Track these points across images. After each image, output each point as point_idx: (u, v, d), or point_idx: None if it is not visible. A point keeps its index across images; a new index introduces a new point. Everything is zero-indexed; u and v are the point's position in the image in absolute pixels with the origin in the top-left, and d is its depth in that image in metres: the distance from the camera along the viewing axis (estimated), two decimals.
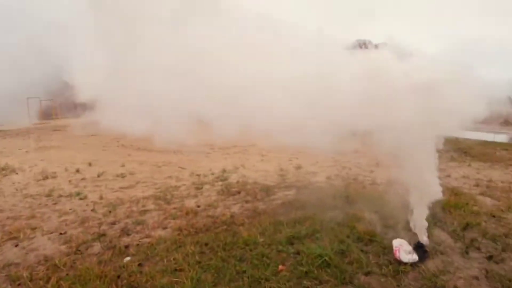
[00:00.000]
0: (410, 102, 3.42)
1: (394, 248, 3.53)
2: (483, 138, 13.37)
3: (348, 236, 4.01)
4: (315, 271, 3.32)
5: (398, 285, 3.16)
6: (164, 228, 4.44)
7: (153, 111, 5.48)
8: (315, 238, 4.02)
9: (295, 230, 4.22)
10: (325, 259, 3.47)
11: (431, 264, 3.45)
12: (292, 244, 3.90)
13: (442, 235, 4.03)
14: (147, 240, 4.07)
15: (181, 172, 7.77)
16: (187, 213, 4.86)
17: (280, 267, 3.41)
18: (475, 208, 4.94)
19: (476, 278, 3.25)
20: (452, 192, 5.72)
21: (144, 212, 5.06)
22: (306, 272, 3.30)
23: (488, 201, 5.46)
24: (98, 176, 7.28)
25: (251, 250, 3.73)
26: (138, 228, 4.43)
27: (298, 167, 7.97)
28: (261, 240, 3.97)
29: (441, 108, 3.37)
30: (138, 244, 3.94)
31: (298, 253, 3.68)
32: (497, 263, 3.48)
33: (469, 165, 8.36)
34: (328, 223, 4.36)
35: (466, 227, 4.22)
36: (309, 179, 7.04)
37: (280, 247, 3.80)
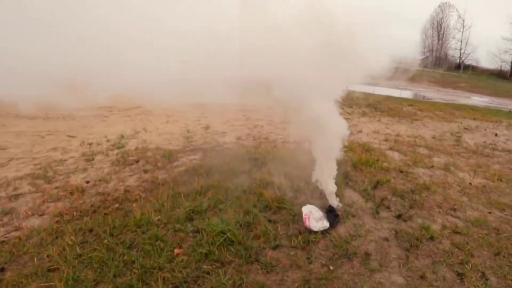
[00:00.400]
0: (312, 53, 2.98)
1: (303, 216, 3.19)
2: (391, 94, 14.41)
3: (255, 205, 3.57)
4: (216, 252, 2.86)
5: (308, 257, 2.84)
6: (41, 215, 3.47)
7: (24, 72, 4.13)
8: (218, 210, 3.52)
9: (196, 203, 3.64)
10: (228, 236, 3.02)
11: (342, 229, 3.21)
12: (192, 220, 3.35)
13: (353, 196, 3.85)
14: (15, 234, 3.10)
15: (70, 142, 6.38)
16: (71, 193, 3.94)
17: (176, 251, 2.89)
18: (385, 164, 4.95)
19: (386, 239, 3.11)
20: (363, 148, 5.72)
21: (16, 197, 3.88)
22: (206, 254, 2.83)
23: (396, 156, 5.57)
24: None
25: (143, 233, 3.12)
26: (5, 219, 3.35)
27: (207, 128, 7.30)
28: (157, 218, 3.35)
29: (343, 60, 3.03)
30: (2, 242, 2.93)
31: (198, 231, 3.16)
32: (405, 220, 3.41)
33: (379, 120, 8.70)
34: (233, 192, 3.86)
35: (376, 185, 4.13)
36: (217, 140, 6.44)
37: (178, 225, 3.24)
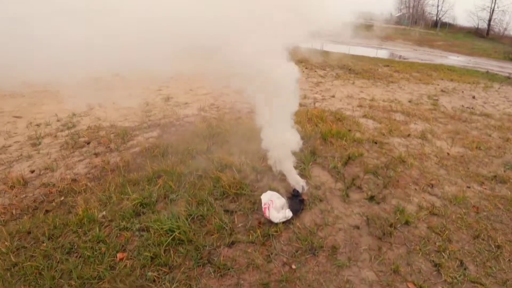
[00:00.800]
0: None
1: (263, 205, 2.81)
2: (367, 54, 14.00)
3: (210, 193, 3.18)
4: (163, 254, 2.51)
5: (268, 255, 2.51)
6: None
7: None
8: (169, 202, 3.13)
9: (144, 193, 3.22)
10: (176, 235, 2.65)
11: (308, 217, 2.88)
12: (139, 215, 2.95)
13: (321, 175, 3.50)
14: None
15: (15, 123, 5.60)
16: (12, 187, 3.43)
17: (119, 255, 2.51)
18: (357, 135, 4.62)
19: (357, 227, 2.81)
20: (335, 117, 5.36)
21: None
22: (152, 257, 2.48)
23: (370, 124, 5.26)
24: None
25: (85, 234, 2.72)
26: None
27: (167, 99, 6.70)
28: (101, 215, 2.95)
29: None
30: None
31: (145, 229, 2.78)
32: (378, 203, 3.12)
33: (353, 83, 8.35)
34: (188, 177, 3.43)
35: (347, 161, 3.80)
36: (178, 113, 5.89)
37: (124, 223, 2.84)
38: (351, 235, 2.73)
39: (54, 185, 3.44)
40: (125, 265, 2.40)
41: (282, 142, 3.07)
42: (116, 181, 3.43)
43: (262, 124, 3.21)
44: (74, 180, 3.54)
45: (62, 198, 3.23)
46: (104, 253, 2.49)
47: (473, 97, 7.71)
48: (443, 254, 2.59)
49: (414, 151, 4.32)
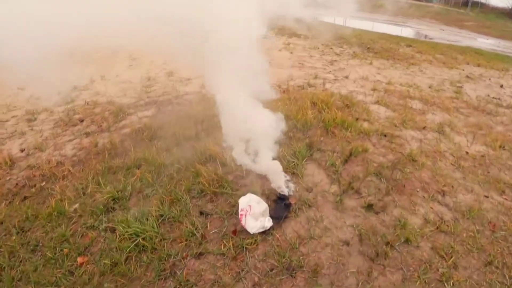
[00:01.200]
0: None
1: (239, 211, 2.36)
2: (390, 32, 12.85)
3: (188, 190, 2.77)
4: (124, 263, 2.17)
5: (238, 271, 2.09)
6: None
7: None
8: (142, 198, 2.77)
9: (119, 186, 2.92)
10: (140, 241, 2.29)
11: (292, 227, 2.42)
12: (109, 212, 2.62)
13: (316, 174, 3.00)
14: None
15: (16, 95, 5.34)
16: (0, 167, 3.25)
17: (80, 259, 2.22)
18: (365, 125, 4.04)
19: (347, 243, 2.35)
20: (343, 102, 4.73)
21: None
22: (112, 265, 2.16)
23: (382, 112, 4.63)
24: None
25: (52, 230, 2.45)
26: None
27: (170, 74, 6.18)
28: (73, 208, 2.65)
29: None
30: None
31: (111, 229, 2.44)
32: (377, 212, 2.61)
33: (371, 63, 7.57)
34: (168, 169, 3.02)
35: (349, 157, 3.26)
36: (178, 89, 5.40)
37: (92, 220, 2.53)
38: (338, 253, 2.26)
39: (39, 167, 3.22)
40: (85, 272, 2.12)
41: (247, 127, 2.56)
42: (98, 167, 3.15)
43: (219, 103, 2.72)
44: (59, 163, 3.32)
45: (43, 183, 3.00)
46: (66, 255, 2.22)
47: (501, 86, 6.83)
48: (446, 284, 2.10)
49: (428, 147, 3.72)
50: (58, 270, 2.13)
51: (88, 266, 2.17)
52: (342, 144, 3.49)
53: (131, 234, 2.34)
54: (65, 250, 2.26)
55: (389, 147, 3.61)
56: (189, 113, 4.29)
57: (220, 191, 2.73)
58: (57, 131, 4.02)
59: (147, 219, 2.46)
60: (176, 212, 2.54)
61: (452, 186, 3.05)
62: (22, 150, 3.62)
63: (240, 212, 2.38)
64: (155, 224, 2.42)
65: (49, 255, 2.23)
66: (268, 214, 2.40)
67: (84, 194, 2.82)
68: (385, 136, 3.87)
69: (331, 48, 8.92)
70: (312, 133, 3.71)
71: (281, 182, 2.64)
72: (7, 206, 2.71)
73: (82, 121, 4.36)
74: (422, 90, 5.92)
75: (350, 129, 3.83)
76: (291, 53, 8.11)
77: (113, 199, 2.72)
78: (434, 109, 5.05)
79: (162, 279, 2.08)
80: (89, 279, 2.09)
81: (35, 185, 2.98)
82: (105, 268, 2.14)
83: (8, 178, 3.10)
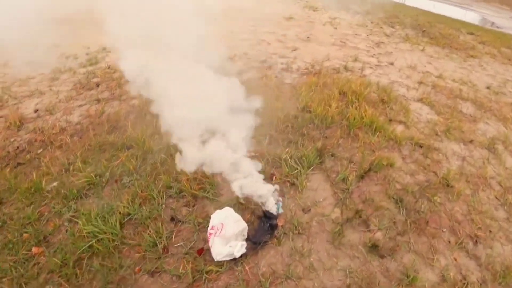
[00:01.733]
0: None
1: (209, 228, 1.84)
2: (451, 15, 10.93)
3: (167, 187, 2.29)
4: (71, 266, 1.84)
5: None
6: None
7: None
8: (117, 188, 2.42)
9: (100, 169, 2.55)
10: (94, 243, 1.92)
11: (269, 259, 1.90)
12: (82, 198, 2.29)
13: (321, 190, 2.36)
14: None
15: (49, 53, 5.25)
16: (8, 126, 3.09)
17: (34, 249, 1.97)
18: (398, 130, 3.29)
19: None
20: (379, 95, 3.90)
21: None
22: (61, 265, 1.84)
23: (424, 113, 3.76)
24: None
25: (23, 208, 2.21)
26: None
27: (231, 33, 5.59)
28: (50, 187, 2.37)
29: None
30: None
31: (75, 220, 2.10)
32: (381, 257, 1.98)
33: (423, 50, 6.39)
34: (155, 156, 2.60)
35: (367, 172, 2.57)
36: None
37: (61, 205, 2.21)
38: None
39: (42, 132, 3.03)
40: (36, 264, 1.86)
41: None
42: (92, 142, 2.84)
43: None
44: (61, 130, 3.07)
45: (40, 150, 2.80)
46: (25, 242, 1.98)
47: None
48: None
49: (471, 169, 2.90)
50: (12, 257, 1.89)
51: (41, 258, 1.90)
52: (363, 152, 2.77)
53: (89, 233, 1.94)
54: (25, 235, 2.03)
55: (422, 163, 2.83)
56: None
57: (200, 194, 2.22)
58: (72, 94, 3.82)
59: (112, 215, 2.04)
60: (145, 213, 2.09)
61: (490, 231, 2.29)
62: (35, 111, 3.47)
63: (209, 230, 1.86)
64: (117, 224, 2.01)
65: (10, 237, 2.01)
66: (245, 236, 1.86)
67: (66, 171, 2.55)
68: (420, 147, 3.07)
69: (381, 27, 7.68)
70: (331, 132, 3.01)
71: (269, 198, 2.05)
72: (1, 170, 2.52)
73: (98, 85, 4.17)
74: (477, 91, 4.82)
75: (378, 132, 3.08)
76: (335, 28, 7.07)
77: (89, 184, 2.36)
78: (488, 116, 4.04)
79: None
80: (37, 274, 1.82)
81: (31, 151, 2.80)
82: (54, 266, 1.85)
83: (12, 139, 2.95)
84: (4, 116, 3.29)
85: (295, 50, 5.54)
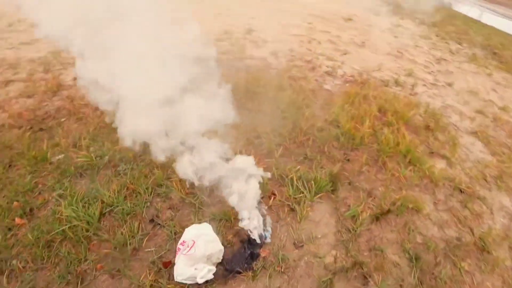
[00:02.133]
0: None
1: (179, 243, 1.55)
2: None
3: (157, 185, 2.05)
4: (40, 246, 1.70)
5: None
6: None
7: None
8: (113, 174, 2.26)
9: (102, 150, 2.47)
10: (66, 229, 1.75)
11: None
12: (76, 177, 2.14)
13: (323, 224, 1.97)
14: None
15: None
16: (45, 91, 3.02)
17: (17, 220, 1.86)
18: (439, 167, 2.69)
19: None
20: (425, 120, 3.28)
21: (7, 83, 3.10)
22: (33, 243, 1.71)
23: (476, 150, 3.11)
24: None
25: (25, 175, 2.11)
26: None
27: (249, 31, 5.21)
28: (55, 159, 2.28)
29: None
30: None
31: (61, 199, 1.94)
32: None
33: (489, 74, 5.43)
34: None
35: (386, 213, 2.07)
36: (245, 51, 4.48)
37: (55, 180, 2.09)
38: None
39: (72, 100, 2.93)
40: (14, 235, 1.76)
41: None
42: (106, 119, 2.61)
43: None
44: (89, 102, 2.84)
45: (64, 119, 2.69)
46: (12, 210, 1.88)
47: None
48: None
49: None
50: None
51: (21, 230, 1.78)
52: (387, 187, 2.28)
53: (67, 216, 1.76)
54: (15, 204, 1.91)
55: (457, 214, 2.27)
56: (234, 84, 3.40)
57: (188, 199, 1.92)
58: None
59: (95, 203, 1.84)
60: (127, 207, 1.86)
61: None
62: (74, 79, 3.35)
63: (178, 245, 1.56)
64: (97, 213, 1.80)
65: (2, 203, 1.89)
66: (219, 260, 1.54)
67: (74, 146, 2.42)
68: (461, 192, 2.49)
69: (446, 42, 6.69)
70: (355, 155, 2.54)
71: (255, 223, 1.69)
72: (24, 133, 2.45)
73: None
74: None
75: (413, 166, 2.54)
76: (395, 37, 6.27)
77: (88, 164, 2.19)
78: None
79: (64, 282, 1.54)
80: (12, 245, 1.71)
81: (55, 118, 2.69)
82: (28, 242, 1.70)
83: (45, 104, 2.87)
84: (46, 80, 3.27)
85: (345, 54, 4.96)
